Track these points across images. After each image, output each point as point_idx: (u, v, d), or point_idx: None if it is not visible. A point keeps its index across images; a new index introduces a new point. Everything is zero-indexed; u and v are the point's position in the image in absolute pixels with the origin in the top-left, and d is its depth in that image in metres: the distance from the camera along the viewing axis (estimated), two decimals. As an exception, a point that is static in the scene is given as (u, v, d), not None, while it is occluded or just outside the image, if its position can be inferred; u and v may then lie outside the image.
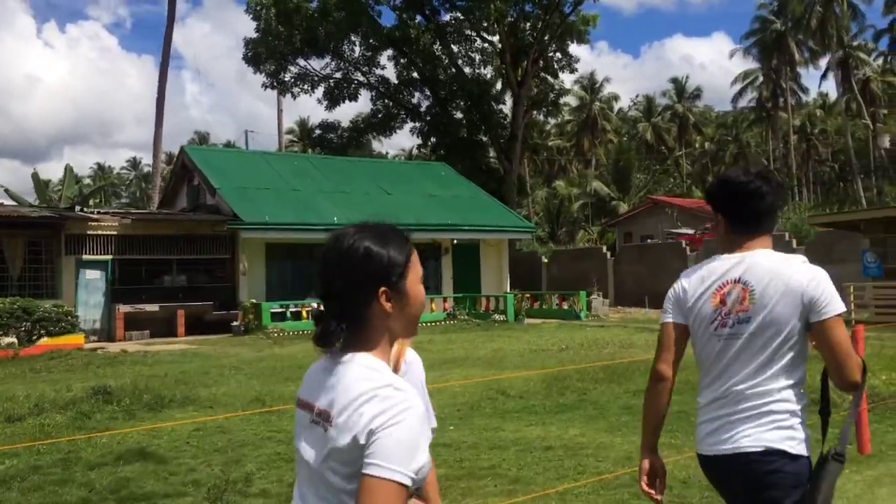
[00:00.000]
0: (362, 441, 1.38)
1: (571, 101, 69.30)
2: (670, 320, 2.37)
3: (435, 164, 29.45)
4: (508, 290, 25.42)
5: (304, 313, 20.73)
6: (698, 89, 69.91)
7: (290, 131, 56.67)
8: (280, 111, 42.55)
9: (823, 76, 54.09)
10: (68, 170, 29.95)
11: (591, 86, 67.64)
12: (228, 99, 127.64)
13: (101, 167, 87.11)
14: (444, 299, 23.00)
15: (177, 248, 20.68)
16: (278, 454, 6.32)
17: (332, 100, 32.49)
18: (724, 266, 2.29)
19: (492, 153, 36.96)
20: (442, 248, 24.44)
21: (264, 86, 31.72)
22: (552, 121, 74.65)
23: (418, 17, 34.06)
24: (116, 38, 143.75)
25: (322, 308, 1.55)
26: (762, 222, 2.29)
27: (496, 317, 21.75)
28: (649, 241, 34.54)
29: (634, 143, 68.49)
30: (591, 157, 69.33)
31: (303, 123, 59.08)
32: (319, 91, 33.22)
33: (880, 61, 55.24)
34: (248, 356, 14.96)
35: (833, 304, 2.15)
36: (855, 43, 53.53)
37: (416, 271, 1.61)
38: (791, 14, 48.45)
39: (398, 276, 1.54)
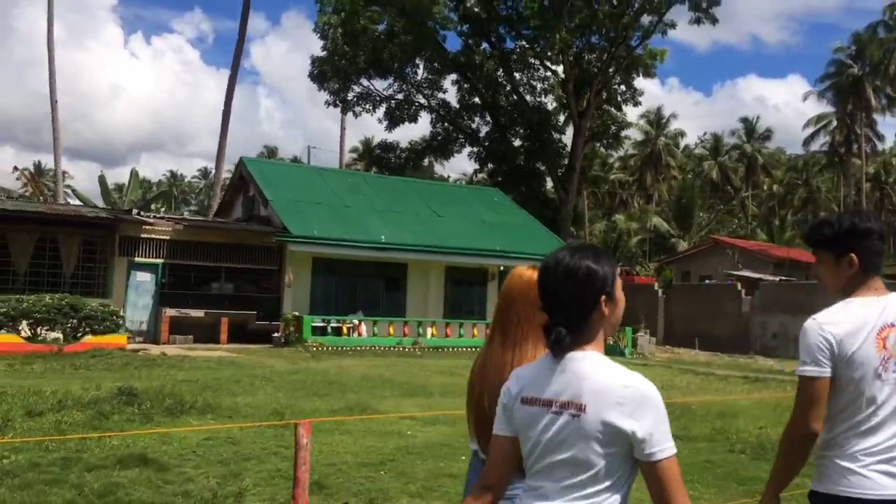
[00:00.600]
0: (628, 429, 1.69)
1: (636, 134, 68.52)
2: (827, 374, 2.27)
3: (488, 190, 29.33)
4: (553, 322, 24.96)
5: (345, 329, 20.76)
6: (769, 130, 68.33)
7: (355, 150, 57.48)
8: (343, 129, 43.24)
9: (902, 123, 51.97)
10: (133, 174, 30.98)
11: (657, 120, 66.74)
12: (300, 115, 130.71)
13: (173, 174, 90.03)
14: (487, 325, 22.67)
15: (226, 257, 21.03)
16: (279, 471, 6.18)
17: (392, 120, 32.81)
18: (872, 310, 2.30)
19: (549, 183, 36.66)
20: (488, 274, 24.20)
21: (327, 103, 32.33)
22: (613, 153, 74.03)
23: (483, 44, 34.23)
24: (199, 51, 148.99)
25: (548, 318, 1.84)
26: (882, 264, 2.41)
27: (537, 347, 21.33)
28: (708, 281, 33.59)
29: (699, 181, 67.14)
30: (653, 192, 68.24)
31: (367, 142, 59.93)
32: (381, 111, 33.65)
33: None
34: (282, 368, 14.97)
35: None
36: (937, 91, 51.49)
37: (619, 281, 1.92)
38: (869, 59, 46.92)
39: (611, 285, 1.86)
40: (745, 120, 68.66)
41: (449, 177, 53.06)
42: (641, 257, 54.14)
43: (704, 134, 70.25)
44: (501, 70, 32.69)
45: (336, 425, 8.50)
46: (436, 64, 33.70)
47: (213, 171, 35.62)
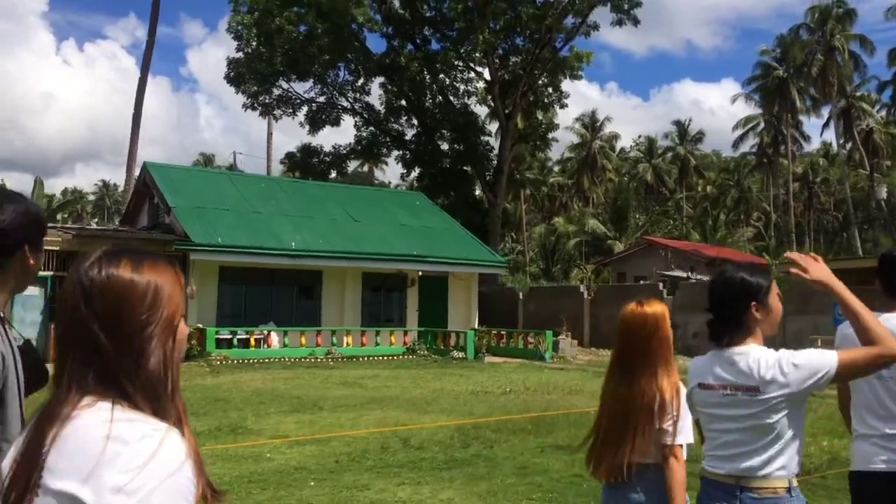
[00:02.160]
0: (794, 389, 2.27)
1: (572, 138, 69.14)
2: None
3: (411, 194, 28.74)
4: (476, 326, 24.48)
5: (253, 341, 19.85)
6: (700, 132, 69.52)
7: (292, 156, 56.21)
8: (270, 134, 42.18)
9: (825, 125, 53.41)
10: (38, 183, 29.43)
11: (591, 124, 67.29)
12: (240, 122, 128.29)
13: (105, 184, 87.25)
14: (405, 333, 22.06)
15: (124, 267, 19.84)
16: None
17: (314, 124, 31.91)
18: None
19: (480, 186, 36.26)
20: (408, 280, 23.57)
21: (245, 107, 31.24)
22: (552, 157, 74.35)
23: (409, 46, 33.67)
24: (134, 58, 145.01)
25: (710, 316, 2.49)
26: None
27: (455, 354, 20.79)
28: (643, 281, 33.54)
29: (634, 183, 67.88)
30: (590, 195, 68.80)
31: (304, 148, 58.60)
32: (303, 114, 32.72)
33: (884, 113, 54.57)
34: (169, 385, 14.00)
35: None
36: (858, 93, 52.97)
37: (775, 291, 2.45)
38: (792, 61, 47.97)
39: (764, 294, 2.41)
40: (677, 123, 69.80)
41: (390, 182, 52.27)
42: (579, 259, 54.36)
43: (639, 137, 71.01)
44: (426, 72, 32.16)
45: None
46: (359, 66, 33.01)
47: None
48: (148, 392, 1.17)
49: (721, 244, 49.87)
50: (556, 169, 73.93)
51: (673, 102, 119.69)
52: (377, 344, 21.35)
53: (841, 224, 64.92)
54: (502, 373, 17.82)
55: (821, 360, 2.24)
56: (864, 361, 2.22)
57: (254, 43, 28.53)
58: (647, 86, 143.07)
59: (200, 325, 19.38)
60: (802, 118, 55.52)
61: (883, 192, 38.25)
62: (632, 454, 2.68)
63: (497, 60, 33.58)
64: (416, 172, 35.18)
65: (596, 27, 32.47)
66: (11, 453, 1.16)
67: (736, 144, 61.03)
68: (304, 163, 32.81)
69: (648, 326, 2.77)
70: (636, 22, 31.04)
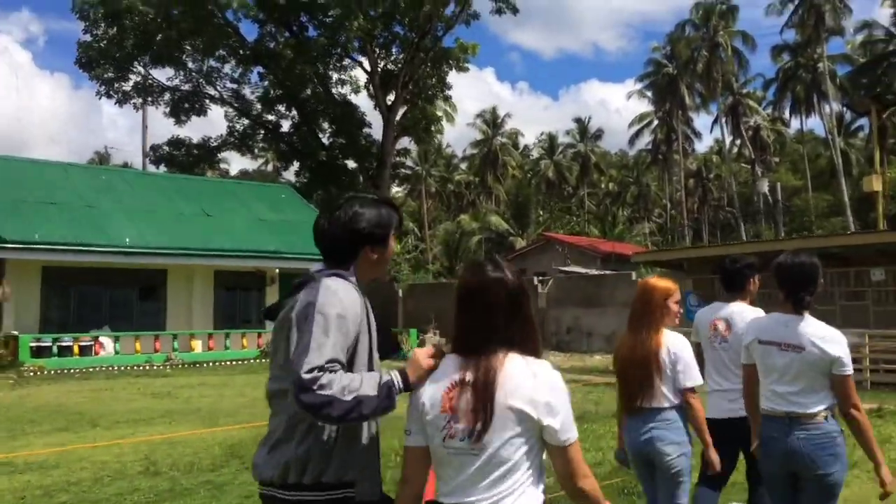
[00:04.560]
0: (834, 354, 3.08)
1: (476, 134, 68.70)
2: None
3: (276, 187, 27.12)
4: (343, 327, 23.12)
5: (77, 348, 17.88)
6: (600, 130, 70.12)
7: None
8: (145, 127, 39.60)
9: (715, 122, 54.55)
10: None
11: (493, 120, 66.90)
12: (144, 119, 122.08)
13: None
14: (259, 335, 20.48)
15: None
16: None
17: (176, 113, 29.75)
18: None
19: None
20: (267, 278, 21.98)
21: (99, 94, 28.75)
22: (448, 152, 73.58)
23: (286, 34, 31.96)
24: (30, 53, 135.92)
25: (786, 293, 3.25)
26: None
27: (309, 357, 19.37)
28: (542, 277, 33.02)
29: (536, 180, 67.96)
30: (495, 192, 68.47)
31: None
32: (173, 103, 30.48)
33: (770, 110, 56.17)
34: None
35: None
36: (745, 91, 54.30)
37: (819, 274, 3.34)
38: (679, 58, 48.64)
39: (818, 276, 3.29)
40: (578, 120, 70.20)
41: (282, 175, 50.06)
42: (483, 256, 53.83)
43: (542, 134, 71.18)
44: (302, 61, 30.52)
45: None
46: (231, 54, 31.11)
47: None
48: (527, 345, 1.96)
49: (620, 240, 50.30)
50: (463, 166, 73.43)
51: (581, 102, 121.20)
52: (227, 348, 19.70)
53: (737, 219, 66.84)
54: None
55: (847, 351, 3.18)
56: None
57: (102, 24, 26.21)
58: (556, 86, 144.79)
59: (15, 333, 17.30)
60: (693, 115, 56.56)
61: (764, 187, 39.03)
62: (645, 396, 3.43)
63: (377, 50, 32.31)
64: (295, 166, 33.51)
65: (476, 16, 31.64)
66: (429, 392, 1.97)
67: (632, 141, 61.86)
68: (172, 156, 30.61)
69: (646, 294, 3.55)
70: (515, 11, 30.36)
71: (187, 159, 30.20)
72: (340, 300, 2.01)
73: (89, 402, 12.69)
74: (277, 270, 21.57)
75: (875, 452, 3.08)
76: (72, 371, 16.84)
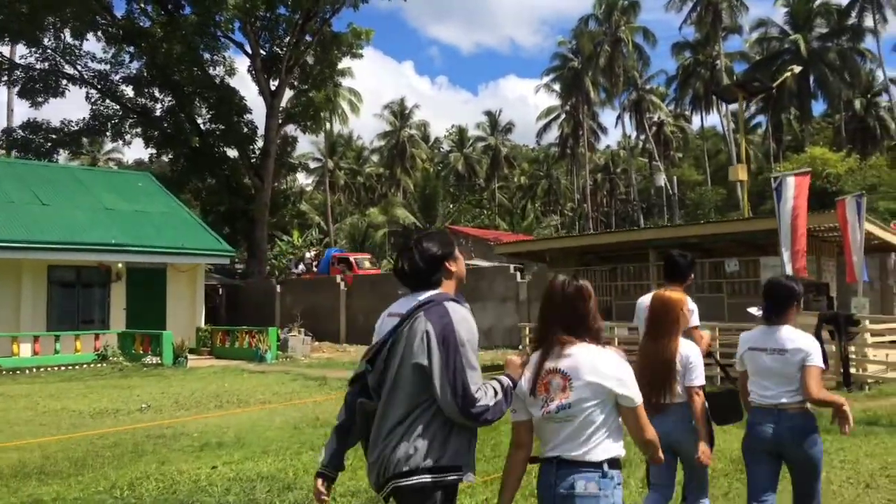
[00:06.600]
0: (801, 357, 3.66)
1: (384, 126, 67.17)
2: None
3: (133, 175, 25.00)
4: (202, 325, 21.38)
5: None
6: (511, 123, 69.70)
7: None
8: (11, 110, 36.58)
9: (619, 117, 54.67)
10: None
11: (401, 112, 65.52)
12: (70, 103, 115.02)
13: None
14: (96, 337, 18.53)
15: None
16: None
17: (28, 94, 27.13)
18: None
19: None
20: (112, 273, 20.00)
21: (-66, 71, 25.88)
22: (358, 144, 71.91)
23: (161, 11, 29.72)
24: None
25: (766, 307, 3.92)
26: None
27: (149, 359, 17.60)
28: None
29: (445, 172, 67.03)
30: (403, 184, 67.16)
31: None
32: (24, 83, 27.79)
33: (672, 106, 56.79)
34: None
35: None
36: (648, 87, 54.66)
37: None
38: (583, 52, 48.37)
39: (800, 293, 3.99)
40: (489, 113, 69.61)
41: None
42: (389, 249, 52.56)
43: (452, 127, 70.20)
44: (173, 40, 28.34)
45: None
46: (97, 30, 28.67)
47: None
48: (595, 335, 2.58)
49: (528, 233, 49.85)
50: (374, 159, 71.80)
51: (500, 97, 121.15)
52: (56, 351, 17.69)
53: (644, 212, 67.65)
54: (189, 381, 14.83)
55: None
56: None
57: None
58: (475, 81, 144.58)
59: None
60: (598, 110, 56.59)
61: (660, 180, 39.07)
62: (666, 394, 3.87)
63: (260, 32, 30.45)
64: (170, 155, 31.27)
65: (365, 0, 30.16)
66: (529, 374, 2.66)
67: (540, 135, 61.59)
68: (27, 140, 27.95)
69: (666, 306, 3.97)
70: (402, -6, 28.98)
71: (44, 145, 27.62)
72: (469, 323, 2.55)
73: None
74: (120, 265, 19.64)
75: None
76: None
